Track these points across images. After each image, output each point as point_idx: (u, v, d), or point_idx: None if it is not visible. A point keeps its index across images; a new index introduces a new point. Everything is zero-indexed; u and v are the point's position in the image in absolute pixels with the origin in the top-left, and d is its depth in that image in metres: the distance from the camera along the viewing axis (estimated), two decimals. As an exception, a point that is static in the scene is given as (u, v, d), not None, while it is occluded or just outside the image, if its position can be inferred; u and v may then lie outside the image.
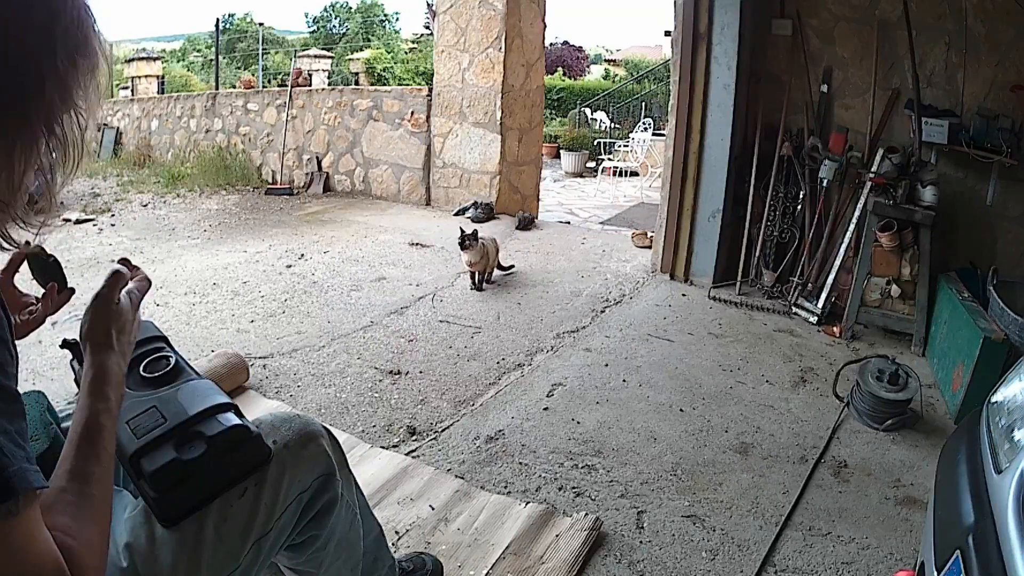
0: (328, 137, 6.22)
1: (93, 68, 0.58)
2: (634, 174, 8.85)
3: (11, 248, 0.60)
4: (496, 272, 3.71)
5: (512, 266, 3.85)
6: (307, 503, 0.94)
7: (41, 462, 0.81)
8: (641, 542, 1.64)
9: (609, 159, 9.07)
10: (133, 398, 0.86)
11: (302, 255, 4.10)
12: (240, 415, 0.86)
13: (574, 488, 1.84)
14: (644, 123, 9.49)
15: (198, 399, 0.85)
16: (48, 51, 0.54)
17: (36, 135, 0.55)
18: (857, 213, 3.17)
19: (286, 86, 6.67)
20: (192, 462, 0.79)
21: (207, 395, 0.86)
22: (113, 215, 5.14)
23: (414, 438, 2.09)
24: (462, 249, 3.43)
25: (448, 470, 1.89)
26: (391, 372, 2.54)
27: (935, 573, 1.05)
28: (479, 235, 3.47)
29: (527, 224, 4.95)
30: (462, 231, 3.42)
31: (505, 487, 1.83)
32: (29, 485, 0.53)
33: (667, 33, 4.50)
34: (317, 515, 0.97)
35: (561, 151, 9.88)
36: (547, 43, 6.48)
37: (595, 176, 8.93)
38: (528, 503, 1.73)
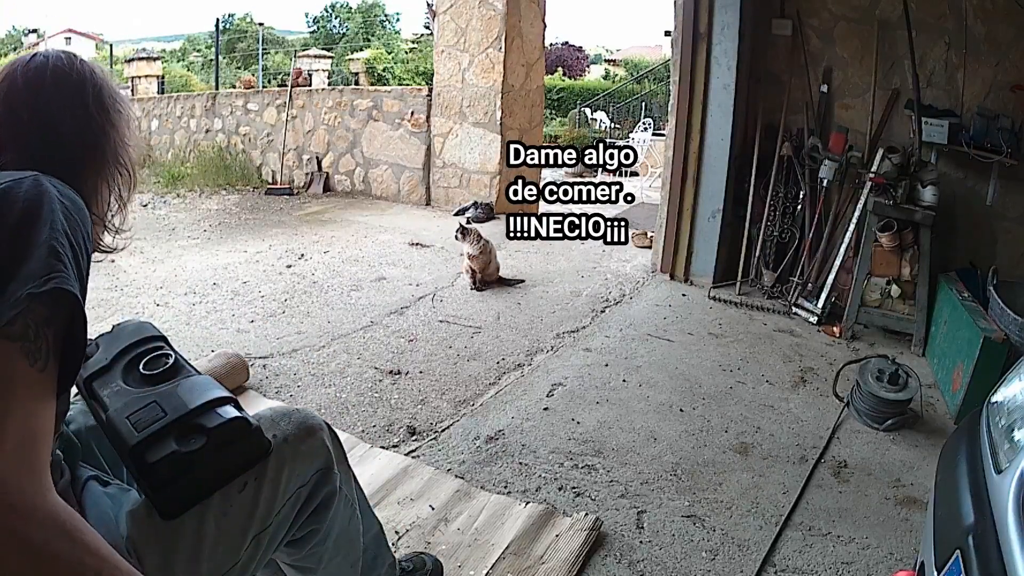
0: (328, 137, 6.21)
1: (130, 113, 0.89)
2: (634, 174, 8.85)
3: (107, 251, 0.89)
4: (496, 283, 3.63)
5: (521, 280, 3.73)
6: (306, 497, 0.94)
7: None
8: (641, 542, 1.64)
9: (609, 159, 9.06)
10: (133, 394, 0.86)
11: (302, 255, 4.10)
12: (240, 408, 0.87)
13: (574, 488, 1.84)
14: (644, 123, 9.50)
15: (197, 393, 0.85)
16: (103, 112, 0.84)
17: (111, 167, 0.85)
18: (857, 213, 3.17)
19: (286, 86, 6.68)
20: (192, 454, 0.80)
21: (207, 389, 0.86)
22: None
23: (414, 438, 2.09)
24: (461, 239, 3.45)
25: (448, 470, 1.89)
26: (391, 372, 2.54)
27: (935, 573, 1.05)
28: (480, 232, 3.50)
29: (527, 224, 4.94)
30: (460, 226, 3.47)
31: (505, 487, 1.83)
32: (71, 288, 0.64)
33: (667, 33, 4.50)
34: (316, 509, 0.97)
35: (561, 151, 9.87)
36: (547, 43, 6.49)
37: (595, 176, 8.92)
38: (528, 503, 1.73)
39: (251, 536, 0.86)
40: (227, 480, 0.85)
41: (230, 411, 0.85)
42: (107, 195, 0.86)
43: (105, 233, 0.87)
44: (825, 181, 3.27)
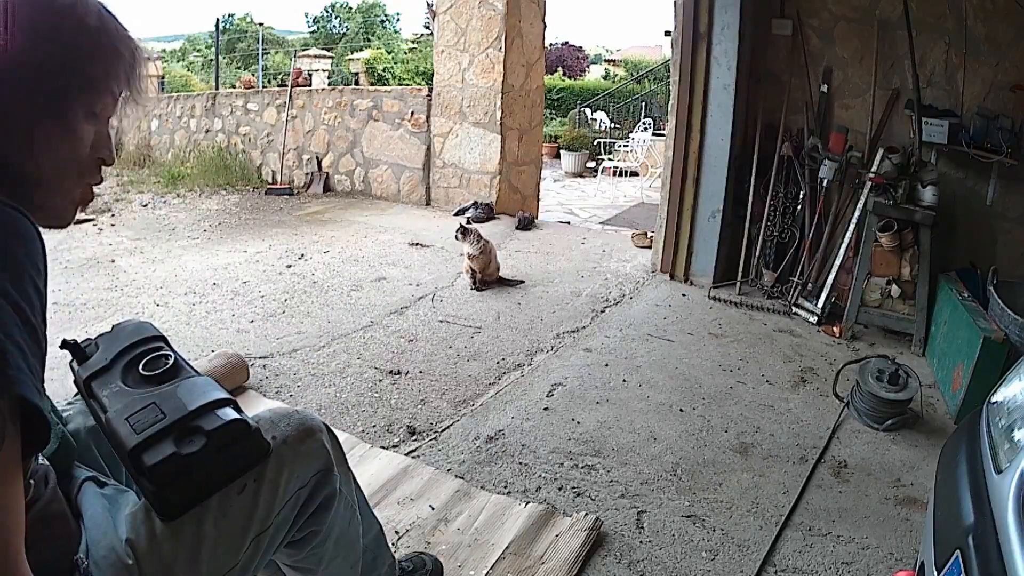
0: (328, 137, 6.21)
1: (118, 60, 0.72)
2: (634, 174, 8.85)
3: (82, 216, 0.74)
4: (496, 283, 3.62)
5: (521, 281, 3.70)
6: (306, 499, 0.94)
7: (53, 461, 0.82)
8: (641, 542, 1.64)
9: (609, 159, 9.08)
10: (132, 395, 0.86)
11: (302, 255, 4.10)
12: (239, 410, 0.87)
13: (574, 488, 1.84)
14: (644, 123, 9.49)
15: (197, 394, 0.85)
16: (76, 54, 0.68)
17: (79, 120, 0.70)
18: (857, 213, 3.16)
19: (286, 86, 6.67)
20: (191, 456, 0.79)
21: (206, 391, 0.86)
22: (113, 215, 5.14)
23: (414, 438, 2.09)
24: (461, 239, 3.45)
25: (448, 470, 1.89)
26: (391, 372, 2.54)
27: (935, 573, 1.05)
28: (480, 232, 3.50)
29: (527, 224, 4.95)
30: (460, 226, 3.48)
31: (505, 487, 1.83)
32: (23, 389, 0.56)
33: (667, 33, 4.50)
34: (316, 511, 0.97)
35: (561, 151, 9.89)
36: (547, 43, 6.48)
37: (595, 176, 8.93)
38: (528, 503, 1.73)
39: (251, 537, 0.86)
40: (226, 482, 0.85)
41: (229, 413, 0.85)
42: (74, 151, 0.70)
43: (71, 206, 0.74)
44: (825, 181, 3.27)
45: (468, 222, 3.48)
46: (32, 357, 0.59)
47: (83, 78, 0.69)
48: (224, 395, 0.87)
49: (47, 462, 0.79)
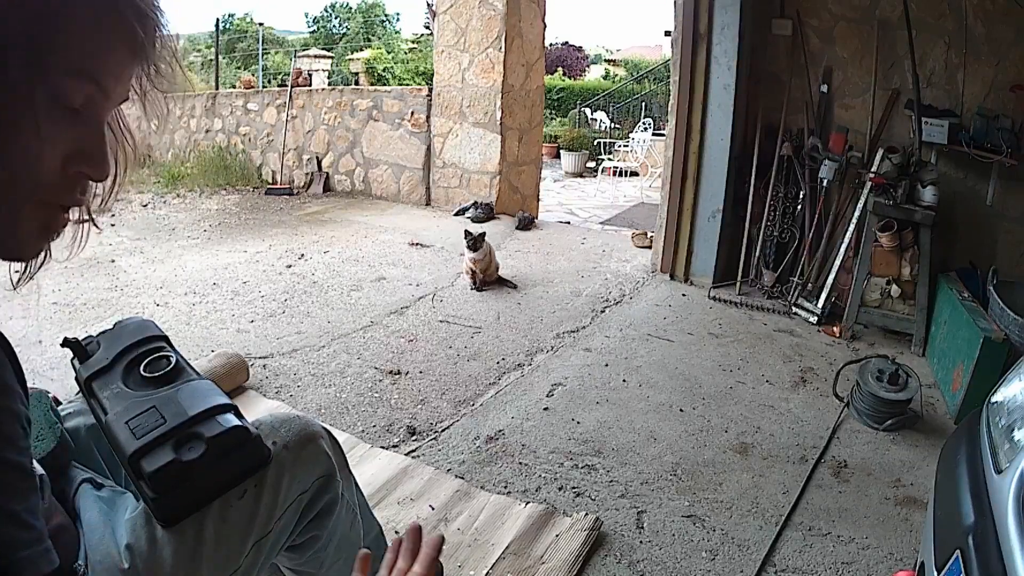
0: (328, 137, 6.21)
1: (121, 29, 0.48)
2: (634, 174, 8.86)
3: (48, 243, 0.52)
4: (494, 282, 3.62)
5: (515, 286, 3.65)
6: (307, 504, 0.94)
7: (50, 459, 0.81)
8: (641, 542, 1.64)
9: (609, 159, 9.08)
10: (133, 398, 0.86)
11: (302, 255, 4.10)
12: (240, 416, 0.86)
13: (574, 488, 1.84)
14: (644, 123, 9.50)
15: (198, 400, 0.85)
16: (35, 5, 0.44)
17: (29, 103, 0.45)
18: (857, 213, 3.17)
19: (286, 86, 6.67)
20: (191, 463, 0.79)
21: (207, 396, 0.86)
22: (113, 215, 5.14)
23: (414, 438, 2.09)
24: (472, 250, 3.43)
25: (448, 470, 1.89)
26: (391, 372, 2.54)
27: (935, 573, 1.05)
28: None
29: (527, 224, 4.95)
30: (468, 233, 3.44)
31: (505, 487, 1.83)
32: (37, 571, 0.49)
33: (667, 33, 4.50)
34: (317, 516, 0.96)
35: (561, 151, 9.89)
36: (547, 43, 6.48)
37: (595, 176, 8.93)
38: (528, 503, 1.73)
39: (251, 543, 0.85)
40: (226, 488, 0.84)
41: (230, 419, 0.84)
42: (26, 159, 0.46)
43: (29, 236, 0.50)
44: (825, 181, 3.27)
45: (473, 238, 3.40)
46: (27, 501, 0.51)
47: (44, 45, 0.44)
48: (225, 400, 0.87)
49: (43, 470, 0.79)
